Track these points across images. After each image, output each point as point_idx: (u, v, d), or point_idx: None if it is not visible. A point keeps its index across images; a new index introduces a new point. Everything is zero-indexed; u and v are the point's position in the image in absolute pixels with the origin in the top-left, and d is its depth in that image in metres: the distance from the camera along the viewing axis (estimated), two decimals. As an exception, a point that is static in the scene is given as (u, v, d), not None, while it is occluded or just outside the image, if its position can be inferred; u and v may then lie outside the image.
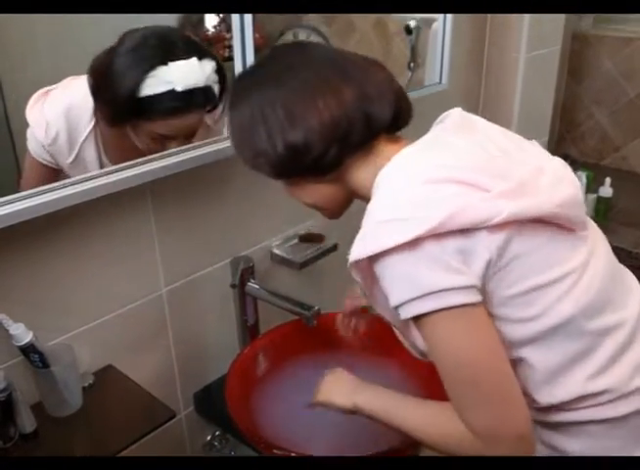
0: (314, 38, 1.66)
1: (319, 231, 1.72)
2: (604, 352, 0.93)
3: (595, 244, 0.98)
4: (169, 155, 1.30)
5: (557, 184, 0.91)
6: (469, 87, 2.24)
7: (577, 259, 0.92)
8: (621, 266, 1.05)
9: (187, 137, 1.30)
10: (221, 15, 1.41)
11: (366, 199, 0.96)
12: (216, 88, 1.27)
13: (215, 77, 1.26)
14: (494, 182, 0.86)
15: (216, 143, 1.38)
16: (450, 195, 0.84)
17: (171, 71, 1.18)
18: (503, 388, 0.86)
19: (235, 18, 1.32)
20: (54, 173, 1.25)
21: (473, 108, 2.27)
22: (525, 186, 0.87)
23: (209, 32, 1.47)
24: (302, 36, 1.86)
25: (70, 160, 1.25)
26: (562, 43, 2.39)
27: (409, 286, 0.84)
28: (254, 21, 1.33)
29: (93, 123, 1.25)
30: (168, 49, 1.21)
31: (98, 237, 1.28)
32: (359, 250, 0.88)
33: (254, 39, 1.35)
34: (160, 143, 1.26)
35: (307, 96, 0.93)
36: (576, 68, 3.02)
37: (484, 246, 0.84)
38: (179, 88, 1.19)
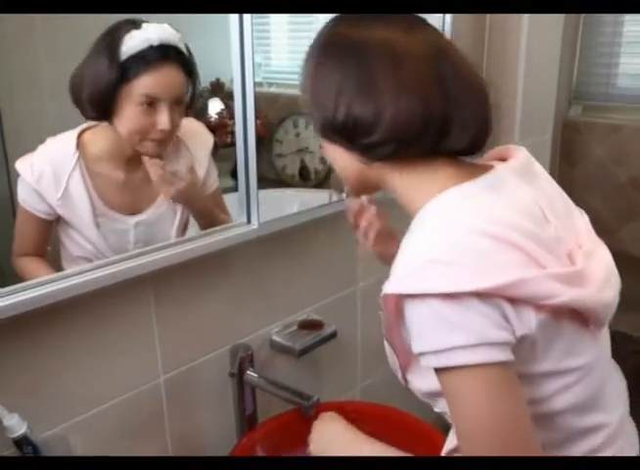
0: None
1: (318, 318, 1.70)
2: (583, 447, 0.91)
3: (604, 343, 0.97)
4: (173, 245, 1.31)
5: (607, 281, 0.89)
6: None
7: (588, 357, 0.90)
8: (613, 362, 1.02)
9: (176, 103, 1.30)
10: (224, 100, 1.44)
11: (400, 202, 0.93)
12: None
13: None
14: (550, 257, 0.83)
15: (218, 233, 1.40)
16: (510, 262, 0.79)
17: (147, 31, 1.25)
18: (530, 447, 0.81)
19: (238, 105, 1.36)
20: (46, 226, 1.29)
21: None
22: (581, 275, 0.85)
23: (212, 119, 1.50)
24: (302, 123, 1.90)
25: (59, 195, 1.26)
26: (553, 131, 2.45)
27: (450, 334, 0.77)
28: (257, 107, 1.36)
29: (77, 156, 1.27)
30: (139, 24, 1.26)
31: (96, 326, 1.26)
32: (397, 285, 0.81)
33: (256, 125, 1.37)
34: (151, 112, 1.27)
35: (398, 81, 0.85)
36: (568, 154, 3.08)
37: (527, 320, 0.81)
38: (156, 43, 1.25)
